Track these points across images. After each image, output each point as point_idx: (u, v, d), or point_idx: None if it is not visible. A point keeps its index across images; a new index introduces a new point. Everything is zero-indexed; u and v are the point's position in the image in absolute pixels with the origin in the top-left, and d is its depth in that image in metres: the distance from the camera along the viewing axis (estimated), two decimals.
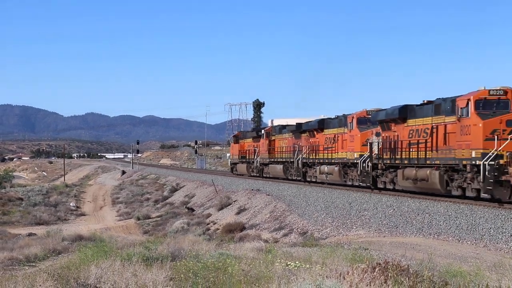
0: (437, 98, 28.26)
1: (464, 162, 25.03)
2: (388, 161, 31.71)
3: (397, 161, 30.78)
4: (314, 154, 42.58)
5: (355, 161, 35.43)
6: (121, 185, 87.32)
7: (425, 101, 29.43)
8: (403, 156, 30.07)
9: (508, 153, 23.51)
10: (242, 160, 62.07)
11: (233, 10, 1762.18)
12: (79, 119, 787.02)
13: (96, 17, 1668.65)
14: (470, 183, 24.95)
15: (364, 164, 34.02)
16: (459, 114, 25.49)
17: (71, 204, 63.35)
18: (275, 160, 51.77)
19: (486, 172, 23.45)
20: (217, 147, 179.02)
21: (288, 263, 12.72)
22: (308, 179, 43.97)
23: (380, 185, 32.90)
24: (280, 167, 49.80)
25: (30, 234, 36.18)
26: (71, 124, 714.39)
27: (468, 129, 24.96)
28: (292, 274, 11.07)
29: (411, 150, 29.33)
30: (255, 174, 56.95)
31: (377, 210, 26.81)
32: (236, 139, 65.10)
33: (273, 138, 53.29)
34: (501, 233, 19.30)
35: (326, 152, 40.44)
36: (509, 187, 22.99)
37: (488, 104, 24.84)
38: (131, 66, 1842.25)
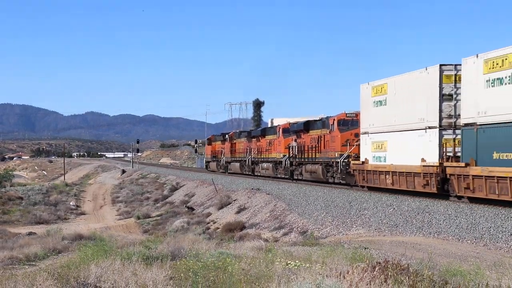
0: (326, 117, 40.77)
1: (332, 160, 38.20)
2: (298, 160, 45.22)
3: (302, 160, 44.14)
4: (259, 154, 56.51)
5: (281, 159, 49.17)
6: (121, 184, 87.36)
7: (320, 118, 42.19)
8: (305, 156, 43.34)
9: (354, 154, 35.50)
10: (213, 159, 75.48)
11: (233, 9, 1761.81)
12: (79, 118, 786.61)
13: (96, 16, 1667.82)
14: (336, 174, 37.90)
15: (286, 162, 47.84)
16: (330, 128, 39.08)
17: (71, 203, 63.36)
18: (235, 159, 64.96)
19: (341, 166, 36.40)
20: None
21: (288, 262, 12.71)
22: (256, 174, 57.04)
23: (295, 177, 46.06)
24: (238, 164, 63.14)
25: (30, 233, 36.20)
26: (71, 123, 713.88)
27: (334, 139, 38.21)
28: (292, 273, 11.06)
29: (309, 152, 42.43)
30: (222, 171, 69.86)
31: (377, 209, 26.81)
32: (209, 141, 78.51)
33: (234, 141, 66.26)
34: (501, 232, 19.30)
35: (266, 153, 54.54)
36: (352, 175, 35.10)
37: (345, 123, 38.02)
38: (131, 65, 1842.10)
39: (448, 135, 26.12)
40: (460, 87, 25.29)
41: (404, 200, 27.45)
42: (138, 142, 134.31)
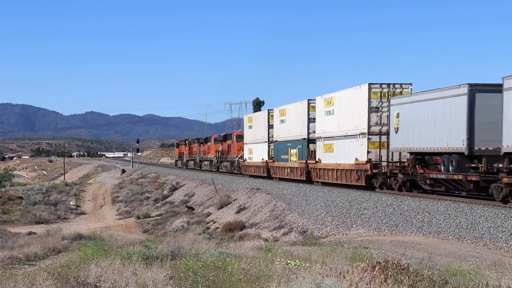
0: (233, 132, 68.37)
1: (233, 159, 65.22)
2: (220, 159, 72.42)
3: (222, 159, 71.32)
4: (203, 155, 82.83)
5: (213, 159, 75.59)
6: (121, 184, 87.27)
7: (231, 133, 69.99)
8: (223, 157, 70.86)
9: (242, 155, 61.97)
10: (179, 159, 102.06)
11: (232, 9, 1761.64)
12: (79, 118, 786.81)
13: (96, 16, 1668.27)
14: (235, 168, 64.26)
15: (215, 160, 74.43)
16: (232, 140, 66.94)
17: (71, 203, 63.32)
18: (191, 158, 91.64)
19: (236, 163, 63.77)
20: None
21: (288, 262, 12.69)
22: (202, 168, 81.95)
23: (220, 170, 71.56)
24: (192, 162, 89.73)
25: (30, 233, 36.16)
26: (71, 123, 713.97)
27: (234, 146, 65.80)
28: (292, 273, 11.06)
29: (225, 154, 70.05)
30: (185, 167, 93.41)
31: (377, 209, 26.81)
32: (177, 145, 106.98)
33: (191, 145, 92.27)
34: (501, 231, 19.30)
35: (207, 154, 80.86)
36: (241, 168, 61.42)
37: (240, 136, 63.97)
38: (131, 65, 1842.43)
39: (272, 146, 51.42)
40: (273, 124, 51.48)
41: (404, 199, 27.47)
42: (138, 142, 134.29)
